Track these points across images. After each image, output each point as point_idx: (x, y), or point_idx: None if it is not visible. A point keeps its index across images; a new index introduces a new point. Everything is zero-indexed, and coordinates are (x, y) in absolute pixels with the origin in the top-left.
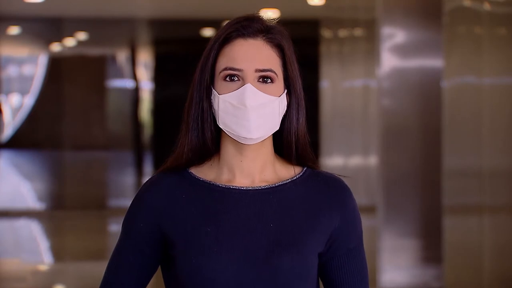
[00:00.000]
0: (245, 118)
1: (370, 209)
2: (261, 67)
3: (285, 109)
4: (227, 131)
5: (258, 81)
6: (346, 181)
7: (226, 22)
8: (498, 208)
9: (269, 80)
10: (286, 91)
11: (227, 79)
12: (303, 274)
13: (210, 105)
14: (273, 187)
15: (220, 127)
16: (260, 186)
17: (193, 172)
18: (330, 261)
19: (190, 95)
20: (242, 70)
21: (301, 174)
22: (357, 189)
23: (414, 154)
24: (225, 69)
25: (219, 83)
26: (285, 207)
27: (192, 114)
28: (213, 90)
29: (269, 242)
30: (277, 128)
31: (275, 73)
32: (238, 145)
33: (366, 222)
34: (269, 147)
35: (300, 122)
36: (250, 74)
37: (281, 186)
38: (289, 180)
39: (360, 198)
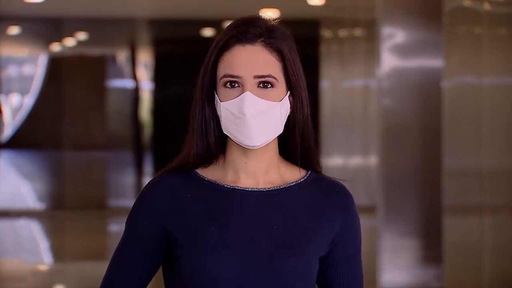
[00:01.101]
0: (246, 127)
1: (370, 209)
2: (259, 73)
3: (289, 111)
4: (231, 137)
5: (258, 86)
6: (348, 184)
7: (226, 23)
8: (498, 208)
9: (269, 85)
10: (288, 93)
11: (228, 85)
12: (305, 275)
13: (213, 110)
14: (278, 189)
15: (224, 132)
16: (265, 188)
17: (198, 172)
18: (329, 267)
19: (194, 100)
20: (241, 77)
21: (305, 177)
22: (357, 189)
23: (414, 154)
24: (224, 76)
25: (221, 89)
26: (289, 209)
27: (196, 118)
28: (216, 96)
29: (272, 243)
30: (281, 131)
31: (275, 78)
32: (243, 148)
33: (366, 222)
34: (273, 149)
35: (305, 122)
36: (249, 80)
37: (286, 188)
38: (294, 183)
39: (360, 198)
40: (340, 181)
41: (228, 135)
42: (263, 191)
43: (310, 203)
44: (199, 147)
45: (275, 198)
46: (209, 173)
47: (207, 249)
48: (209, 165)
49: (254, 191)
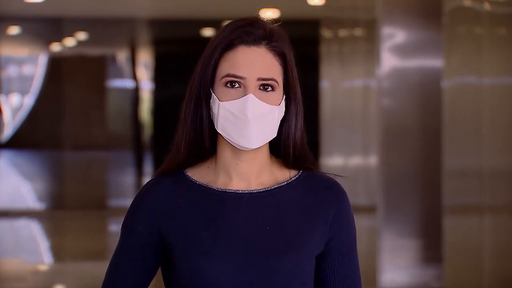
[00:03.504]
0: (246, 128)
1: (370, 209)
2: (263, 76)
3: (283, 115)
4: (226, 137)
5: (259, 89)
6: (346, 181)
7: (226, 23)
8: (498, 208)
9: (269, 88)
10: (284, 97)
11: (228, 85)
12: (301, 275)
13: (209, 108)
14: (269, 190)
15: (219, 132)
16: (256, 190)
17: (190, 175)
18: (322, 263)
19: (189, 97)
20: (245, 78)
21: (297, 176)
22: (357, 189)
23: (414, 154)
24: (227, 75)
25: (220, 88)
26: (281, 209)
27: (191, 115)
28: (213, 94)
29: (267, 244)
30: (275, 134)
31: (276, 82)
32: (235, 150)
33: (366, 222)
34: (265, 151)
35: (298, 128)
36: (252, 82)
37: (277, 189)
38: (285, 183)
39: (360, 198)
40: (334, 177)
41: (223, 134)
42: (254, 192)
43: (302, 202)
44: (191, 145)
45: (267, 199)
46: (201, 175)
47: (203, 251)
48: (199, 165)
49: (245, 193)
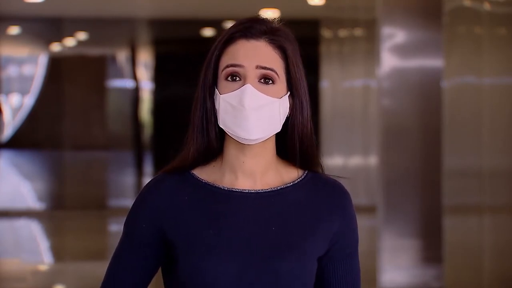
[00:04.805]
0: (244, 119)
1: (370, 209)
2: (262, 64)
3: (288, 111)
4: (227, 131)
5: (259, 81)
6: (346, 183)
7: (226, 23)
8: (498, 208)
9: (270, 81)
10: (289, 93)
11: (229, 78)
12: (303, 276)
13: (214, 105)
14: (275, 190)
15: (221, 126)
16: (261, 189)
17: (196, 174)
18: (326, 266)
19: (196, 96)
20: (243, 66)
21: (302, 177)
22: (357, 189)
23: (414, 154)
24: (227, 66)
25: (221, 82)
26: (286, 210)
27: (197, 114)
28: (216, 89)
29: (270, 245)
30: (278, 129)
31: (276, 74)
32: (240, 146)
33: (366, 222)
34: (271, 149)
35: (304, 125)
36: (251, 70)
37: (282, 189)
38: (291, 183)
39: (360, 198)
40: (338, 179)
41: (224, 128)
42: (260, 192)
43: (307, 203)
44: (199, 143)
45: (272, 199)
46: (207, 174)
47: (205, 251)
48: (207, 164)
49: (252, 192)
